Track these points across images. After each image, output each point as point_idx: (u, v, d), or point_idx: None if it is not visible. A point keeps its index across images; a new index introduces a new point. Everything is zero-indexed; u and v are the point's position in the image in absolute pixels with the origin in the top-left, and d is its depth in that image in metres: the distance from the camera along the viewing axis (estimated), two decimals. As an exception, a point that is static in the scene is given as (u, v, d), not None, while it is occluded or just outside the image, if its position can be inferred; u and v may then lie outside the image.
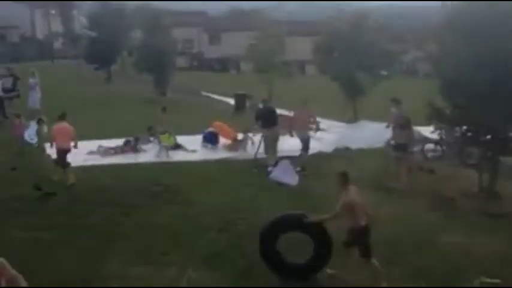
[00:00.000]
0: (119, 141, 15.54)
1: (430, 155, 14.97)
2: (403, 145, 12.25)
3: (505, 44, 10.42)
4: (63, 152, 11.79)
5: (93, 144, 15.22)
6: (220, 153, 15.47)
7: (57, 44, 57.23)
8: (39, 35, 56.24)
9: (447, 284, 7.67)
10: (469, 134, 11.89)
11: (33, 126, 15.02)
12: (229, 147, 15.85)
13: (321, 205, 7.58)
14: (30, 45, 51.95)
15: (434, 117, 11.99)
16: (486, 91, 10.73)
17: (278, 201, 10.67)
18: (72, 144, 11.93)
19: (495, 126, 11.20)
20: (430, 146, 15.02)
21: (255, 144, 15.15)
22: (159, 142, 15.39)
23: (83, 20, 43.96)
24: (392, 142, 12.67)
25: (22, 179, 11.92)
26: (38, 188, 11.19)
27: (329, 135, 16.78)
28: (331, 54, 21.71)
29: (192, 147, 15.76)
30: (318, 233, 7.58)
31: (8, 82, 19.68)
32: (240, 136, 16.15)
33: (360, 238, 7.36)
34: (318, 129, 14.59)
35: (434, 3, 13.45)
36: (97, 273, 7.67)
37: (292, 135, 14.23)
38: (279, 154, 13.88)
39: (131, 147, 15.29)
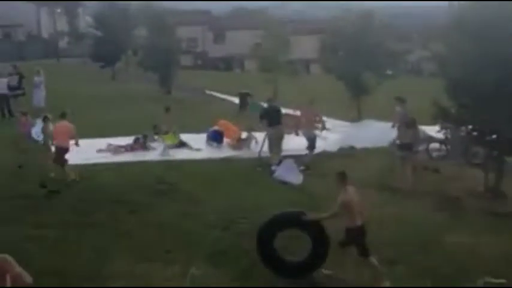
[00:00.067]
0: (127, 139, 15.65)
1: (435, 154, 14.91)
2: (408, 144, 12.20)
3: (512, 44, 10.39)
4: (61, 151, 11.86)
5: (101, 142, 15.35)
6: (224, 152, 15.49)
7: (63, 42, 57.38)
8: (45, 33, 56.39)
9: (452, 284, 7.64)
10: (475, 133, 11.85)
11: (39, 123, 15.06)
12: (234, 146, 15.87)
13: (325, 204, 7.56)
14: (35, 43, 52.12)
15: (440, 116, 11.95)
16: (492, 91, 10.70)
17: (282, 200, 10.66)
18: (73, 142, 12.03)
19: (501, 125, 11.16)
20: (435, 145, 14.97)
21: (258, 143, 15.15)
22: (163, 141, 15.46)
23: (89, 19, 44.13)
24: (398, 141, 12.63)
25: (28, 177, 11.96)
26: (44, 185, 11.25)
27: (334, 135, 16.74)
28: (336, 53, 21.67)
29: (197, 146, 15.79)
30: (316, 232, 7.58)
31: (14, 80, 19.80)
32: (244, 135, 16.16)
33: (357, 238, 7.37)
34: (323, 128, 14.56)
35: (441, 2, 13.43)
36: (102, 271, 7.69)
37: (298, 134, 14.21)
38: (284, 153, 13.86)
39: (140, 144, 15.41)
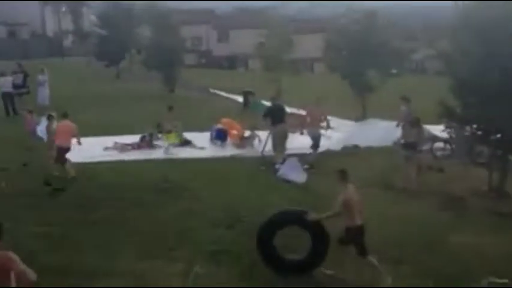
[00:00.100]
0: (133, 137, 15.73)
1: (439, 153, 14.88)
2: (412, 144, 12.17)
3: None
4: (62, 150, 11.90)
5: (107, 141, 15.47)
6: (228, 150, 15.51)
7: (67, 41, 57.54)
8: (49, 32, 56.54)
9: (456, 284, 7.62)
10: (479, 132, 11.82)
11: (44, 121, 15.13)
12: (237, 145, 15.88)
13: (328, 203, 7.55)
14: (40, 42, 52.26)
15: (445, 115, 11.92)
16: (497, 91, 10.68)
17: (285, 198, 10.66)
18: (74, 141, 12.10)
19: (505, 125, 11.13)
20: (439, 144, 14.93)
21: (262, 141, 15.15)
22: (166, 140, 15.51)
23: (93, 18, 44.23)
24: (402, 141, 12.60)
25: (33, 174, 12.00)
26: (48, 183, 11.30)
27: (338, 134, 16.72)
28: (340, 52, 21.65)
29: (201, 144, 15.82)
30: (316, 229, 7.58)
31: (19, 78, 19.87)
32: (247, 133, 16.18)
33: (356, 237, 7.36)
34: (328, 127, 14.55)
35: (445, 1, 13.39)
36: (106, 268, 7.70)
37: (302, 133, 14.20)
38: (288, 152, 13.86)
39: (147, 143, 15.48)
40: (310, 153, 13.88)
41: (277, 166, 13.13)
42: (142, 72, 31.92)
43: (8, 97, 19.27)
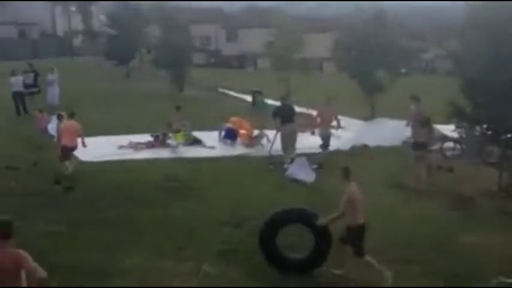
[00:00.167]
0: (142, 136, 15.86)
1: (449, 153, 14.81)
2: (422, 143, 12.12)
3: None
4: (67, 149, 11.97)
5: (121, 139, 15.63)
6: (238, 150, 15.55)
7: (77, 41, 57.86)
8: (59, 32, 56.89)
9: (466, 283, 7.58)
10: (489, 132, 11.76)
11: (55, 120, 15.26)
12: (247, 144, 15.91)
13: (336, 202, 7.53)
14: (50, 42, 52.60)
15: (456, 115, 11.87)
16: (507, 90, 10.61)
17: (293, 198, 10.65)
18: (79, 141, 12.15)
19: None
20: (449, 144, 14.86)
21: (270, 140, 15.15)
22: (174, 139, 15.57)
23: (103, 18, 44.44)
24: (412, 140, 12.55)
25: (43, 173, 12.09)
26: (58, 182, 11.37)
27: (347, 133, 16.69)
28: (349, 51, 21.61)
29: (210, 143, 15.87)
30: (319, 228, 7.57)
31: (30, 78, 20.02)
32: (255, 132, 16.21)
33: (357, 236, 7.34)
34: (338, 126, 14.54)
35: (455, 2, 13.34)
36: (116, 267, 7.74)
37: (314, 133, 14.19)
38: (297, 151, 13.85)
39: (160, 142, 15.53)
40: (320, 153, 13.86)
41: (285, 165, 13.13)
42: (151, 71, 32.06)
43: (19, 96, 19.41)
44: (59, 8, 56.48)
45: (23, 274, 4.90)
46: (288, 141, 13.79)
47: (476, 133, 12.19)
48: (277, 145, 14.20)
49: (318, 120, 14.03)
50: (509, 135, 11.48)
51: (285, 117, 13.76)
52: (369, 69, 20.28)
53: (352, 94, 21.18)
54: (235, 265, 7.92)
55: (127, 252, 8.24)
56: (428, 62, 43.92)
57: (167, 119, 16.41)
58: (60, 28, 56.89)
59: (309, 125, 14.49)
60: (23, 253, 4.87)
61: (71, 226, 9.17)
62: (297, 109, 15.09)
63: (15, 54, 38.81)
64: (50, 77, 20.25)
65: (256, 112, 18.34)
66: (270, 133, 15.23)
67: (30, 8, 51.93)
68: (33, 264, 4.82)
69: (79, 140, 12.23)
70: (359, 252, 7.35)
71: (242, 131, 16.42)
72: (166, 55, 27.73)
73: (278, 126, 13.93)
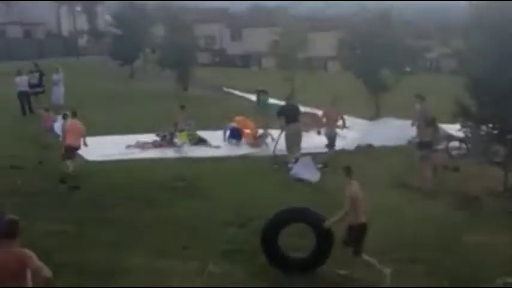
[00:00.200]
0: (152, 136, 15.88)
1: (454, 153, 14.75)
2: (427, 143, 12.08)
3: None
4: (70, 149, 11.97)
5: (128, 139, 15.65)
6: (243, 149, 15.56)
7: (82, 41, 57.98)
8: (65, 32, 57.03)
9: (470, 284, 7.55)
10: (495, 131, 11.71)
11: (60, 119, 15.30)
12: (252, 143, 15.90)
13: (341, 202, 7.52)
14: (55, 42, 52.73)
15: (461, 115, 11.84)
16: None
17: (298, 197, 10.62)
18: (82, 141, 12.15)
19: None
20: (454, 144, 14.80)
21: (274, 140, 15.13)
22: (178, 139, 15.60)
23: (108, 18, 44.51)
24: (417, 140, 12.51)
25: (48, 173, 12.12)
26: (63, 181, 11.40)
27: (352, 133, 16.66)
28: (354, 50, 21.56)
29: (215, 143, 15.87)
30: (321, 227, 7.56)
31: (35, 78, 20.06)
32: (259, 131, 16.20)
33: (358, 236, 7.33)
34: (344, 126, 14.52)
35: (459, 2, 13.31)
36: (121, 266, 7.75)
37: (320, 133, 14.17)
38: (303, 151, 13.83)
39: (167, 141, 15.56)
40: (326, 153, 13.85)
41: (290, 165, 13.12)
42: (156, 71, 32.08)
43: (24, 96, 19.47)
44: (64, 8, 56.61)
45: (29, 273, 4.90)
46: (293, 141, 13.78)
47: (482, 132, 12.14)
48: (281, 145, 14.19)
49: (324, 120, 14.03)
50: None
51: (289, 117, 13.75)
52: (374, 68, 20.23)
53: (356, 93, 21.14)
54: (240, 265, 7.92)
55: (132, 251, 8.25)
56: (433, 61, 43.76)
57: (173, 118, 16.43)
58: (66, 28, 57.05)
59: (314, 124, 14.46)
60: (28, 252, 4.87)
61: (76, 225, 9.19)
62: (302, 108, 15.06)
63: (21, 54, 38.92)
64: (55, 76, 20.30)
65: (260, 111, 18.33)
66: (274, 132, 15.22)
67: (35, 8, 52.12)
68: (39, 263, 4.82)
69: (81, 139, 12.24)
70: (357, 251, 7.34)
71: (247, 131, 16.42)
72: (171, 55, 27.75)
73: (283, 125, 13.92)
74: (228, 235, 8.91)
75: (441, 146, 14.02)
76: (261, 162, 13.94)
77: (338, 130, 14.28)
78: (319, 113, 14.66)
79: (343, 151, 14.77)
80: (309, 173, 12.56)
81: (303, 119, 14.42)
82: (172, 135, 15.81)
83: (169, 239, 8.79)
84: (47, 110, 15.44)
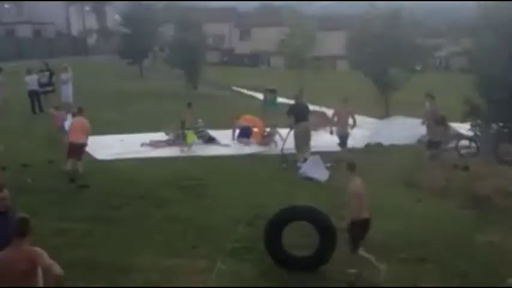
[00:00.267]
0: (163, 135, 15.99)
1: (464, 152, 14.67)
2: (437, 142, 12.02)
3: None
4: (74, 146, 11.79)
5: (138, 138, 15.74)
6: (253, 148, 15.56)
7: (91, 40, 58.27)
8: (74, 31, 57.33)
9: (480, 283, 7.51)
10: (505, 130, 11.64)
11: (70, 118, 15.36)
12: (261, 142, 15.90)
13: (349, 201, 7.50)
14: (65, 41, 53.03)
15: (472, 114, 11.79)
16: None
17: (306, 196, 10.62)
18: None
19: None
20: (464, 142, 14.72)
21: (283, 138, 15.12)
22: (184, 138, 15.61)
23: (117, 17, 44.68)
24: (427, 138, 12.46)
25: (58, 171, 12.16)
26: (73, 180, 11.44)
27: (361, 131, 16.61)
28: (363, 49, 21.50)
29: (225, 142, 15.89)
30: (324, 225, 7.56)
31: (45, 77, 20.16)
32: (267, 130, 16.20)
33: (358, 231, 7.30)
34: (354, 125, 14.49)
35: (468, 2, 13.27)
36: (129, 264, 7.77)
37: (332, 133, 14.15)
38: (312, 149, 13.81)
39: (180, 140, 15.58)
40: (339, 152, 13.83)
41: (299, 164, 13.10)
42: (165, 70, 32.15)
43: (34, 95, 19.57)
44: (73, 7, 56.89)
45: (39, 271, 4.93)
46: (302, 140, 13.76)
47: (492, 131, 12.08)
48: (289, 143, 14.18)
49: (335, 119, 14.01)
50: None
51: (299, 116, 13.73)
52: (383, 67, 20.16)
53: (366, 92, 21.08)
54: (249, 263, 7.92)
55: (141, 250, 8.28)
56: (443, 59, 43.57)
57: (182, 117, 16.44)
58: (75, 27, 57.34)
59: (323, 123, 14.44)
60: (39, 250, 4.90)
61: (86, 224, 9.23)
62: (311, 107, 15.04)
63: (31, 53, 39.18)
64: (63, 76, 20.38)
65: (267, 110, 18.33)
66: (282, 131, 15.21)
67: (45, 8, 52.48)
68: (49, 261, 4.84)
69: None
70: (355, 246, 7.33)
71: (255, 129, 16.42)
72: (180, 54, 27.81)
73: (292, 124, 13.91)
74: (236, 234, 8.91)
75: (451, 145, 13.96)
76: (269, 161, 13.94)
77: (349, 129, 14.26)
78: (329, 112, 14.62)
79: (352, 150, 14.73)
80: (317, 172, 12.54)
81: (312, 118, 14.40)
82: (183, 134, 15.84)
83: (178, 237, 8.81)
84: (57, 108, 15.50)
